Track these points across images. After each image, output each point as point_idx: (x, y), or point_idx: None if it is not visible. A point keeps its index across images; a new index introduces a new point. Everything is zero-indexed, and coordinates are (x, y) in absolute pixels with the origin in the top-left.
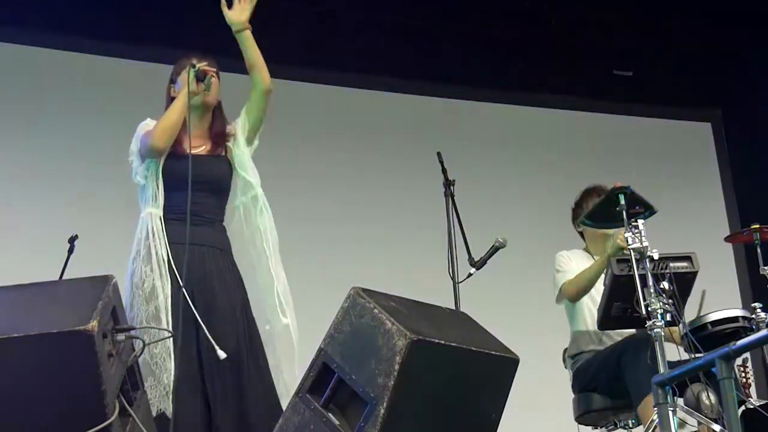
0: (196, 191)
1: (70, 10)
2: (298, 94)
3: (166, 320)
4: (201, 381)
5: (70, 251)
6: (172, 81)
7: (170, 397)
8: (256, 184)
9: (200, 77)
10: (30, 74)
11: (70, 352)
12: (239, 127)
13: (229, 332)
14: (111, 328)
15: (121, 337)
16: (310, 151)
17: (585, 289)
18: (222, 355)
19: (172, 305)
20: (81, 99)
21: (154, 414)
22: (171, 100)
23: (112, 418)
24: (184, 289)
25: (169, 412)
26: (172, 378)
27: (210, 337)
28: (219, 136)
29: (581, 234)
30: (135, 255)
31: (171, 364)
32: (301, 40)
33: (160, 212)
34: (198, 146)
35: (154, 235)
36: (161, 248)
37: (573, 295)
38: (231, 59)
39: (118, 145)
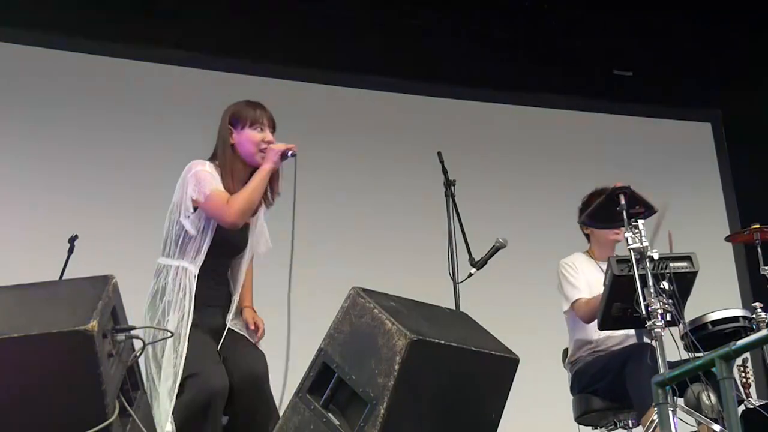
0: (227, 257)
1: (71, 10)
2: (298, 94)
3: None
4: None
5: (70, 251)
6: (233, 124)
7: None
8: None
9: (285, 156)
10: (30, 74)
11: (70, 352)
12: (261, 233)
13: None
14: (111, 328)
15: (121, 337)
16: (309, 152)
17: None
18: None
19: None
20: (81, 99)
21: None
22: (230, 146)
23: (112, 418)
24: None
25: None
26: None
27: None
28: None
29: (587, 236)
30: (164, 309)
31: (171, 402)
32: (301, 40)
33: (196, 272)
34: None
35: (185, 295)
36: (190, 310)
37: (588, 318)
38: (232, 59)
39: (118, 146)
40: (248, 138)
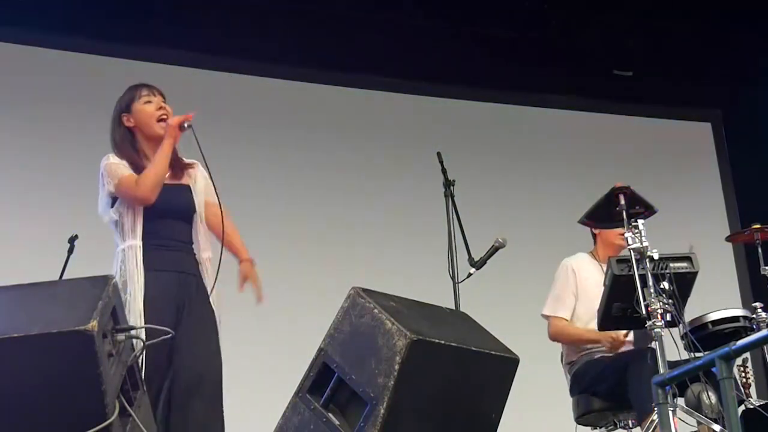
0: (172, 219)
1: (70, 10)
2: (298, 94)
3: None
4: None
5: (70, 251)
6: (125, 110)
7: None
8: (205, 257)
9: (182, 128)
10: (30, 74)
11: (70, 352)
12: (203, 189)
13: (204, 361)
14: (111, 328)
15: (121, 337)
16: (309, 151)
17: (568, 344)
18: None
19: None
20: (81, 99)
21: None
22: (126, 129)
23: (112, 418)
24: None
25: None
26: None
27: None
28: (177, 164)
29: (594, 236)
30: (123, 286)
31: None
32: (301, 40)
33: (140, 242)
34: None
35: (135, 267)
36: (140, 278)
37: (555, 339)
38: (229, 58)
39: None
40: (141, 112)
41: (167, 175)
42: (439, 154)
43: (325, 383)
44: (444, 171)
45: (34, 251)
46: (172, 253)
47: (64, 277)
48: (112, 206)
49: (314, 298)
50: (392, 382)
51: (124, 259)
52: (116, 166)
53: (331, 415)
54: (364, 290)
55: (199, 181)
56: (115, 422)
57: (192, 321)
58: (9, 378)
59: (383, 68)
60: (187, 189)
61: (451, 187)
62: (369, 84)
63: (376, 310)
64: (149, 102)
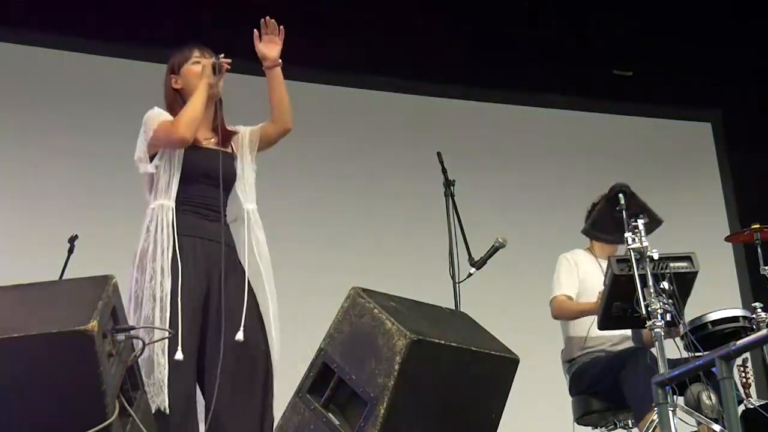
0: (208, 185)
1: (70, 10)
2: (297, 94)
3: (163, 317)
4: (196, 373)
5: (70, 251)
6: (173, 71)
7: (165, 392)
8: (251, 208)
9: (216, 69)
10: (30, 74)
11: (70, 352)
12: (247, 138)
13: (237, 329)
14: (111, 328)
15: (121, 337)
16: (309, 152)
17: (571, 319)
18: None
19: (171, 300)
20: (81, 99)
21: (153, 410)
22: (174, 91)
23: (112, 418)
24: (180, 284)
25: (165, 406)
26: (165, 373)
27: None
28: (224, 131)
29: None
30: (143, 249)
31: (164, 360)
32: (301, 40)
33: (172, 204)
34: (208, 139)
35: (163, 229)
36: (169, 241)
37: (558, 316)
38: (231, 59)
39: (118, 145)
40: (189, 73)
41: (211, 141)
42: (439, 154)
43: (325, 383)
44: (444, 171)
45: (34, 251)
46: (202, 221)
47: (64, 277)
48: (151, 161)
49: (314, 298)
50: (392, 382)
51: (154, 219)
52: (158, 113)
53: (331, 415)
54: (364, 290)
55: (244, 142)
56: (115, 422)
57: (221, 299)
58: (9, 378)
59: (383, 68)
60: (231, 157)
61: (451, 187)
62: (369, 84)
63: (376, 310)
64: (198, 63)
